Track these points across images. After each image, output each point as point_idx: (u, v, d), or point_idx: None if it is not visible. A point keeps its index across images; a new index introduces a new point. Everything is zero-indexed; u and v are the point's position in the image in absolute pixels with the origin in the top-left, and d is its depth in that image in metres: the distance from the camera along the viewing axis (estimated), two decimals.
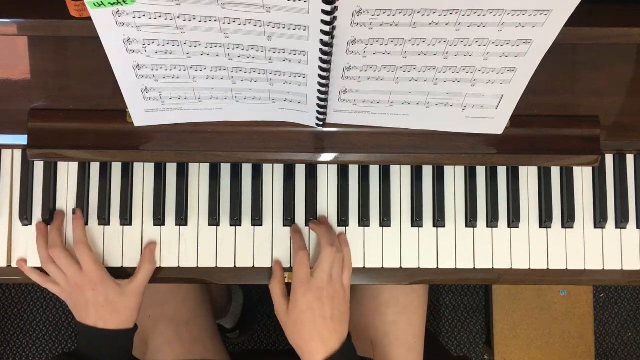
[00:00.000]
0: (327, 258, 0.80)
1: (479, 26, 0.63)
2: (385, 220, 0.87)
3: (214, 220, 0.86)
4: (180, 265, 0.86)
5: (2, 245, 0.85)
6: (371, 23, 0.62)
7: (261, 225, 0.87)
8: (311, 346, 0.77)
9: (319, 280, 0.79)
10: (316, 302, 0.78)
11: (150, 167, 0.87)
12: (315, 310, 0.78)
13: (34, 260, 0.84)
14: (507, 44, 0.65)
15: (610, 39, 0.78)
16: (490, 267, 0.87)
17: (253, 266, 0.86)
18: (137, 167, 0.87)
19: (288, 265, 0.86)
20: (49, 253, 0.81)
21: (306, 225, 0.87)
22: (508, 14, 0.61)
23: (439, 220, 0.87)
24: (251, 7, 0.61)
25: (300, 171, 0.88)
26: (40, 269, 0.84)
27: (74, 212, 0.85)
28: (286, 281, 0.84)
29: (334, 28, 0.62)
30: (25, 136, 0.80)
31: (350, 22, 0.62)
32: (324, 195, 0.87)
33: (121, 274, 0.84)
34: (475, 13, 0.61)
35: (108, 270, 0.83)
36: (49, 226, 0.84)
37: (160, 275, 0.86)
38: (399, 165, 0.87)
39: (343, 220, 0.87)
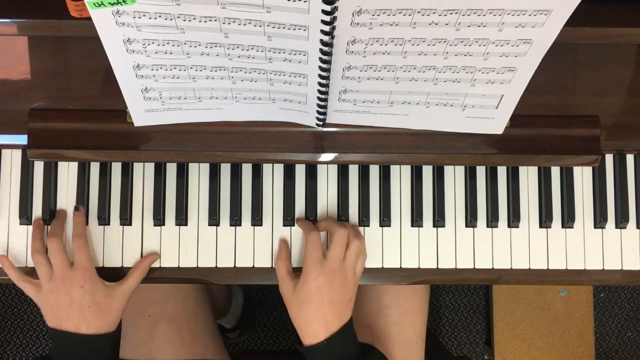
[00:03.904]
0: (340, 239, 0.79)
1: (479, 26, 0.63)
2: (385, 220, 0.87)
3: (214, 220, 0.86)
4: (180, 265, 0.86)
5: (1, 245, 0.85)
6: (371, 23, 0.62)
7: (261, 225, 0.87)
8: (314, 327, 0.77)
9: (331, 261, 0.78)
10: (327, 285, 0.77)
11: (150, 167, 0.87)
12: (324, 293, 0.77)
13: (30, 261, 0.84)
14: (507, 43, 0.65)
15: (610, 39, 0.78)
16: (490, 267, 0.87)
17: (253, 266, 0.86)
18: (137, 167, 0.87)
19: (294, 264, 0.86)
20: (47, 242, 0.80)
21: None
22: (508, 14, 0.61)
23: (439, 220, 0.87)
24: (251, 7, 0.61)
25: (300, 171, 0.88)
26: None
27: (76, 209, 0.84)
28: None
29: (334, 28, 0.62)
30: (25, 136, 0.80)
31: (350, 22, 0.62)
32: (324, 195, 0.87)
33: (121, 274, 0.84)
34: (475, 13, 0.61)
35: (108, 271, 0.83)
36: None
37: (161, 275, 0.86)
38: (399, 165, 0.87)
39: (343, 220, 0.87)
